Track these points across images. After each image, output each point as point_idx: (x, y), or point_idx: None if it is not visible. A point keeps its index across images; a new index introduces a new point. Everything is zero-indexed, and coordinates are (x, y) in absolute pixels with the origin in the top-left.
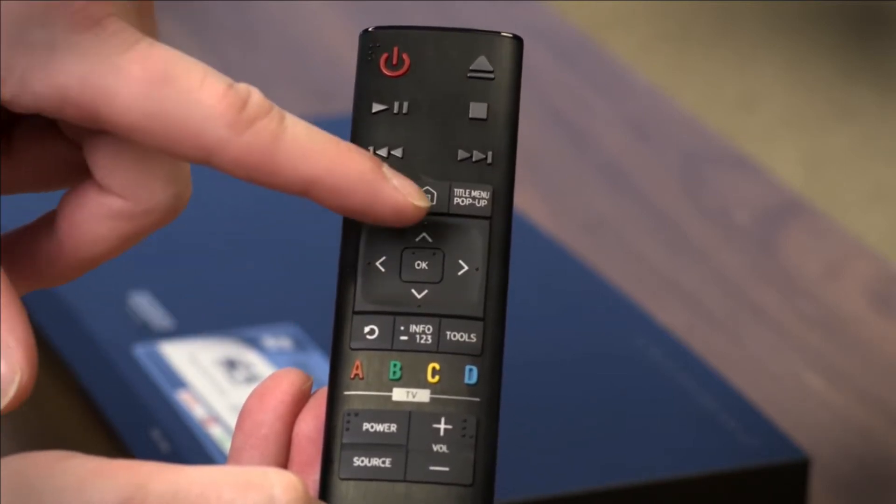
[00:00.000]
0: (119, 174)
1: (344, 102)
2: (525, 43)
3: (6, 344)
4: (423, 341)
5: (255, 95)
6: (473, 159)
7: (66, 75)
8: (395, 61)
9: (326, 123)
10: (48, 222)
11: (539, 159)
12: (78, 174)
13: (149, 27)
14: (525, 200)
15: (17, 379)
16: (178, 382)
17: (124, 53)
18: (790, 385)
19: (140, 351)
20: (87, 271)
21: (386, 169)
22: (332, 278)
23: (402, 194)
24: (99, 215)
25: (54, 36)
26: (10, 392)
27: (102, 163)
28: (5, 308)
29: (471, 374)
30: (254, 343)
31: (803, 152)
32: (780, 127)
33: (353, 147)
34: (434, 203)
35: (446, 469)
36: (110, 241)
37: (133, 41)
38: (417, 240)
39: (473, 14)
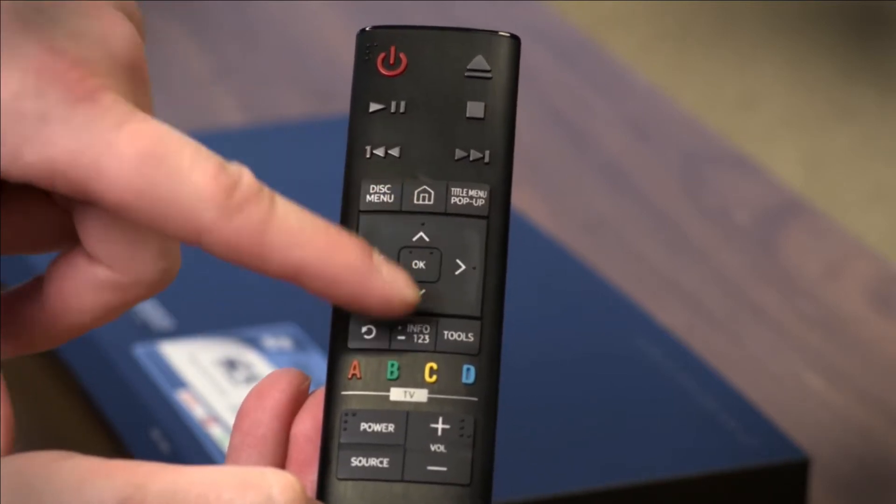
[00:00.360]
0: (109, 246)
1: (343, 102)
2: (525, 43)
3: None
4: (420, 341)
5: (246, 177)
6: (471, 158)
7: (57, 149)
8: (392, 61)
9: (325, 123)
10: (36, 287)
11: (539, 159)
12: (68, 239)
13: (143, 101)
14: (525, 200)
15: None
16: (178, 382)
17: (116, 129)
18: (790, 385)
19: (140, 351)
20: (73, 338)
21: (376, 258)
22: None
23: (391, 286)
24: (86, 284)
25: (47, 108)
26: None
27: (93, 233)
28: None
29: (468, 374)
30: (254, 343)
31: (803, 152)
32: (780, 127)
33: (343, 235)
34: (432, 202)
35: (444, 469)
36: (96, 310)
37: (126, 117)
38: (415, 239)
39: (472, 14)
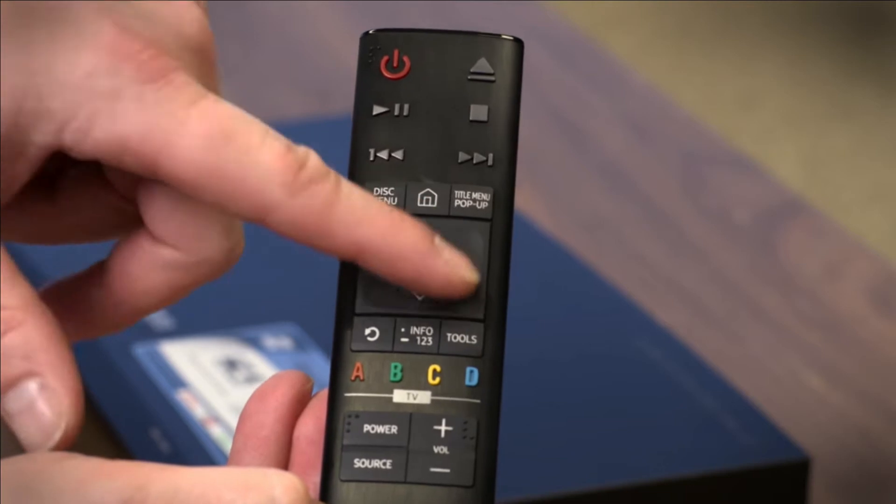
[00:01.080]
0: (174, 225)
1: (343, 102)
2: (525, 43)
3: (53, 389)
4: (423, 343)
5: (314, 158)
6: (474, 161)
7: (129, 125)
8: (395, 64)
9: (325, 123)
10: (99, 271)
11: (539, 159)
12: (126, 225)
13: (211, 83)
14: (525, 200)
15: (62, 425)
16: (178, 382)
17: (188, 108)
18: (790, 385)
19: (140, 351)
20: (138, 320)
21: (438, 241)
22: (333, 278)
23: (453, 267)
24: (151, 266)
25: (120, 85)
26: (55, 437)
27: (158, 213)
28: (55, 354)
29: (471, 376)
30: (254, 343)
31: (803, 152)
32: (779, 126)
33: (407, 217)
34: (435, 205)
35: (447, 470)
36: (162, 291)
37: (197, 96)
38: None
39: (473, 14)
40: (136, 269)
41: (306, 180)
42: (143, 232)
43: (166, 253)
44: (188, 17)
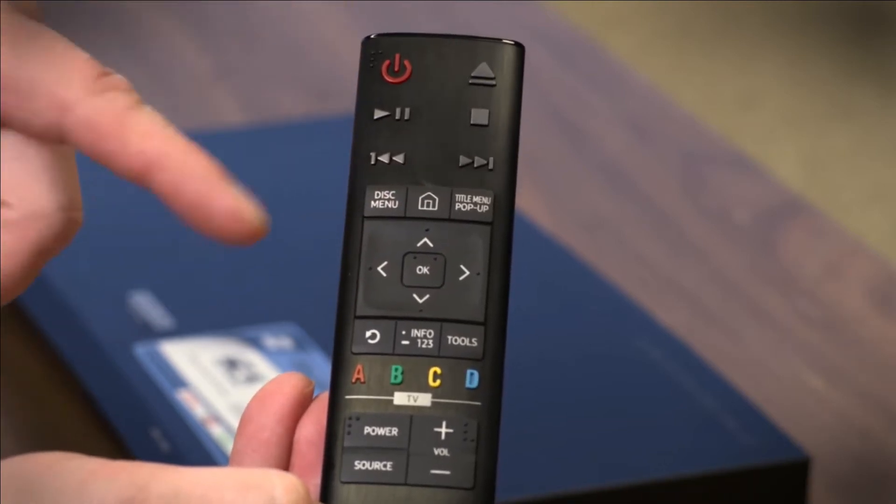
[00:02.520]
0: (2, 176)
1: (343, 102)
2: (525, 43)
3: None
4: (424, 346)
5: (121, 77)
6: (475, 165)
7: None
8: (396, 68)
9: (325, 123)
10: None
11: (539, 159)
12: None
13: (34, 14)
14: (525, 201)
15: None
16: (178, 382)
17: None
18: (790, 385)
19: (140, 351)
20: None
21: (228, 180)
22: (333, 278)
23: (240, 203)
24: None
25: None
26: None
27: None
28: None
29: (472, 379)
30: (254, 343)
31: (803, 152)
32: (779, 126)
33: (199, 148)
34: (436, 209)
35: (447, 473)
36: (4, 260)
37: (8, 11)
38: (419, 245)
39: (473, 14)
40: None
41: (108, 84)
42: None
43: None
44: None
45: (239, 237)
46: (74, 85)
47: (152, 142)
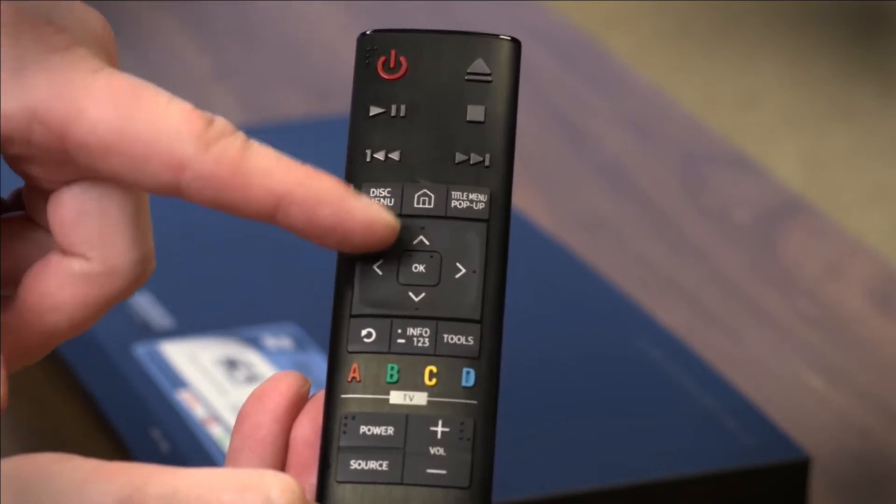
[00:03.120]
0: (82, 231)
1: (342, 102)
2: (525, 43)
3: None
4: (420, 344)
5: (221, 118)
6: (471, 162)
7: (36, 92)
8: (392, 64)
9: (325, 123)
10: (8, 298)
11: (539, 159)
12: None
13: (113, 62)
14: (525, 200)
15: None
16: (178, 382)
17: (94, 73)
18: (790, 385)
19: (140, 351)
20: (52, 348)
21: (353, 190)
22: (332, 278)
23: (372, 209)
24: (61, 278)
25: (24, 56)
26: None
27: (66, 219)
28: None
29: (468, 377)
30: (254, 343)
31: (803, 152)
32: (779, 127)
33: (319, 170)
34: (432, 206)
35: (443, 472)
36: (71, 307)
37: (100, 66)
38: (415, 243)
39: (472, 14)
40: (45, 285)
41: (217, 134)
42: (53, 250)
43: (75, 264)
44: (94, 17)
45: (377, 245)
46: (187, 142)
47: (274, 179)
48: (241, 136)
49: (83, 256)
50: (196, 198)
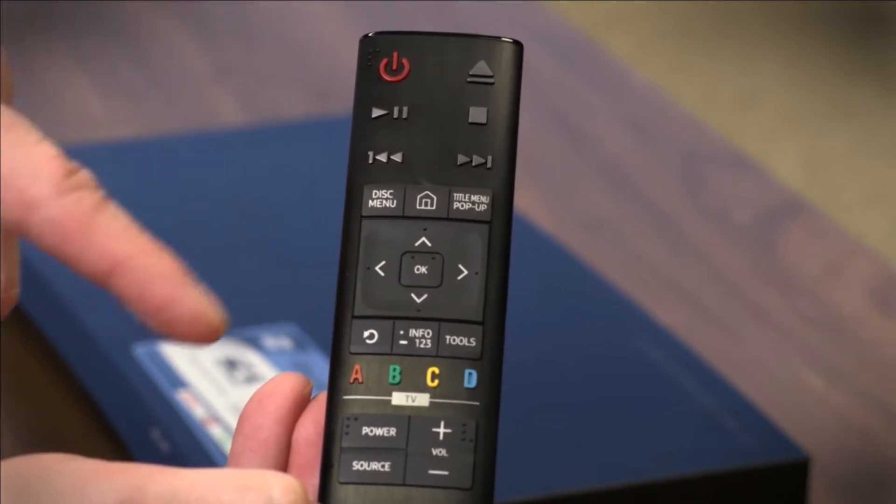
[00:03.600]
0: None
1: (343, 102)
2: (525, 43)
3: None
4: (422, 345)
5: (87, 173)
6: (473, 164)
7: None
8: (395, 66)
9: (325, 123)
10: None
11: (539, 159)
12: None
13: (5, 97)
14: (525, 200)
15: None
16: (178, 382)
17: None
18: (790, 385)
19: (140, 351)
20: None
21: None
22: (333, 278)
23: (203, 305)
24: None
25: None
26: None
27: None
28: None
29: (470, 378)
30: (254, 343)
31: (803, 152)
32: (779, 126)
33: (163, 248)
34: (434, 208)
35: (446, 473)
36: None
37: None
38: (417, 244)
39: (472, 14)
40: None
41: (75, 184)
42: None
43: None
44: None
45: (201, 338)
46: (42, 183)
47: (116, 244)
48: (100, 193)
49: None
50: (38, 241)
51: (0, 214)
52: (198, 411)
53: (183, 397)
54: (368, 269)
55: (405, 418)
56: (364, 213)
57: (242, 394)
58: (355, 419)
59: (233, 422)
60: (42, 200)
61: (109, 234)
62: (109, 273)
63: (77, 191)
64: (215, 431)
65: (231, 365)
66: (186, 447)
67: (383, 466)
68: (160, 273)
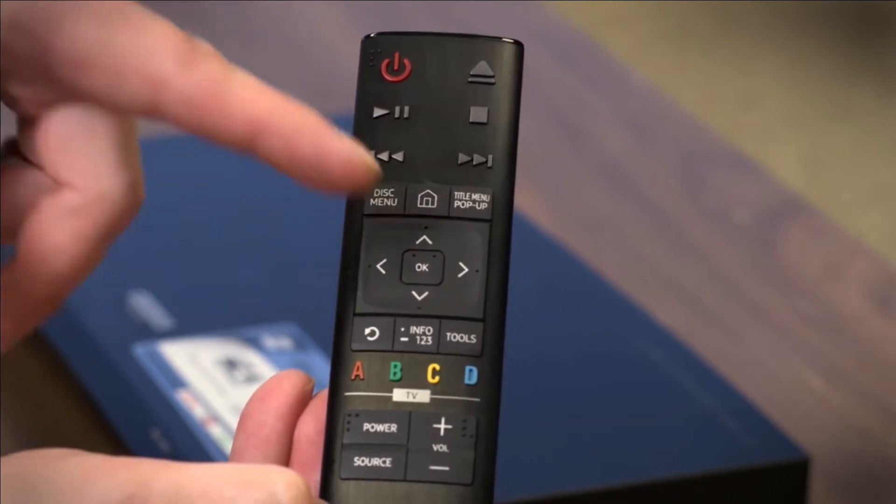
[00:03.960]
0: (70, 155)
1: (343, 102)
2: (525, 43)
3: None
4: (423, 342)
5: (207, 44)
6: (474, 163)
7: (16, 2)
8: (396, 66)
9: None
10: (7, 260)
11: (539, 159)
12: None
13: None
14: (525, 200)
15: None
16: (178, 382)
17: None
18: (790, 385)
19: (140, 351)
20: (60, 300)
21: (338, 132)
22: (332, 278)
23: (353, 148)
24: (55, 217)
25: None
26: None
27: (53, 144)
28: None
29: (471, 375)
30: (254, 343)
31: (803, 152)
32: (779, 126)
33: (298, 102)
34: (435, 206)
35: (446, 469)
36: (70, 245)
37: None
38: (418, 242)
39: (473, 14)
40: (40, 228)
41: (200, 55)
42: (43, 193)
43: (65, 197)
44: None
45: (356, 185)
46: (166, 60)
47: (256, 107)
48: (223, 60)
49: (73, 187)
50: (173, 119)
51: (128, 99)
52: (198, 411)
53: (183, 397)
54: (370, 266)
55: (406, 414)
56: (365, 212)
57: (242, 394)
58: (356, 416)
59: (233, 422)
60: (171, 78)
61: (245, 99)
62: (253, 137)
63: (204, 62)
64: (215, 431)
65: (231, 365)
66: (186, 447)
67: (384, 462)
68: (305, 125)
